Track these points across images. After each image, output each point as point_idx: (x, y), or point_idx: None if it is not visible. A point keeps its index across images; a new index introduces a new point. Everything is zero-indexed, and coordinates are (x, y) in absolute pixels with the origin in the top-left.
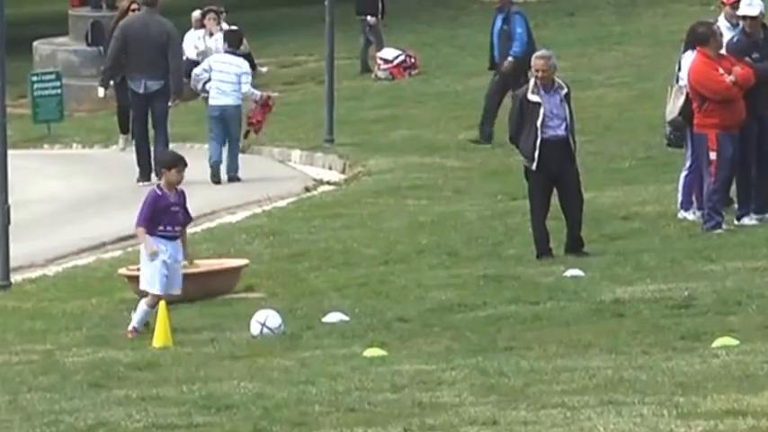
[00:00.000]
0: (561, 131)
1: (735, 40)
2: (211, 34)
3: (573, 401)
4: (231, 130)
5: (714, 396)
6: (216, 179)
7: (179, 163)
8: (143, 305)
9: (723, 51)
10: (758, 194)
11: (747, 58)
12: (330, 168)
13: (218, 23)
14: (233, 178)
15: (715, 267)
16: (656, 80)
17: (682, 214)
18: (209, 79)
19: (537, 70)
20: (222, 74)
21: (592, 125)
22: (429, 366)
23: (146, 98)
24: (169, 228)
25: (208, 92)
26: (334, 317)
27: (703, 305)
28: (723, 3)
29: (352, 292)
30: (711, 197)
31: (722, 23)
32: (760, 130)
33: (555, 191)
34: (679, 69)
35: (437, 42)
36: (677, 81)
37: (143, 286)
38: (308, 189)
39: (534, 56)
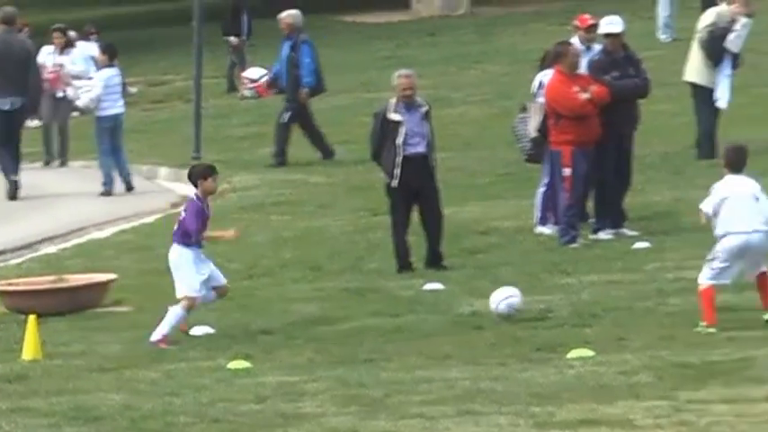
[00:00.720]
0: (422, 149)
1: (596, 58)
2: (61, 51)
3: (432, 412)
4: (120, 139)
5: (569, 406)
6: (110, 192)
7: (213, 172)
8: (178, 310)
9: (582, 70)
10: (614, 210)
11: (608, 77)
12: None
13: (68, 40)
14: (130, 184)
15: (571, 281)
16: (515, 98)
17: (539, 229)
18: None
19: (403, 89)
20: (111, 87)
21: (452, 142)
22: (292, 378)
23: (11, 115)
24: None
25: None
26: (199, 330)
27: (559, 317)
28: (577, 26)
29: (218, 305)
30: (567, 212)
31: (576, 45)
32: (618, 147)
33: (416, 206)
34: (540, 87)
35: None
36: (535, 98)
37: (183, 292)
38: (174, 205)
39: (397, 74)
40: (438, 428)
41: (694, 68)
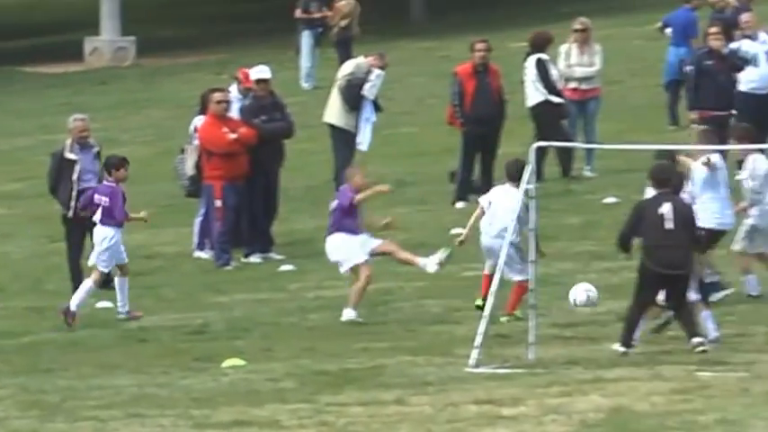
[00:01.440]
0: (94, 183)
1: (247, 103)
2: None
3: (103, 415)
4: None
5: (224, 409)
6: None
7: (126, 162)
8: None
9: (234, 115)
10: (263, 237)
11: (257, 120)
12: None
13: None
14: None
15: (225, 299)
16: (175, 139)
17: (197, 254)
18: None
19: (79, 131)
20: None
21: None
22: None
23: None
24: None
25: None
26: None
27: (215, 331)
28: (237, 78)
29: None
30: (219, 239)
31: (234, 93)
32: (266, 181)
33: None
34: (195, 130)
35: None
36: (191, 140)
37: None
38: None
39: (72, 118)
40: (108, 429)
41: (333, 112)
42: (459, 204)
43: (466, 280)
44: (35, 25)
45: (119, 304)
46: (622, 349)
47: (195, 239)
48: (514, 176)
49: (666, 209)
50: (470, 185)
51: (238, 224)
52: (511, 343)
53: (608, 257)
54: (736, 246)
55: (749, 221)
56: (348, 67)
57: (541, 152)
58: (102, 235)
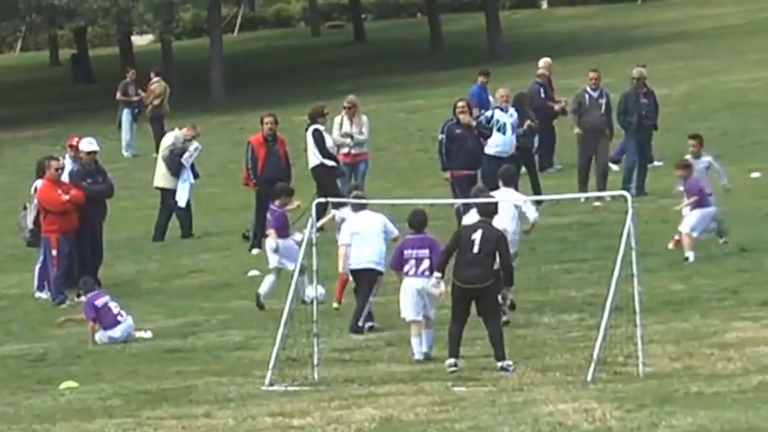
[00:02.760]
0: None
1: (75, 169)
2: None
3: None
4: None
5: (62, 423)
6: None
7: None
8: None
9: (65, 179)
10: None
11: (84, 183)
12: None
13: None
14: None
15: (62, 332)
16: (17, 199)
17: (37, 294)
18: None
19: None
20: None
21: None
22: None
23: None
24: None
25: None
26: None
27: (53, 359)
28: (71, 145)
29: None
30: (56, 281)
31: (68, 160)
32: (93, 233)
33: None
34: (35, 191)
35: None
36: (32, 199)
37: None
38: None
39: None
40: None
41: (161, 176)
42: (255, 251)
43: (263, 312)
44: None
45: None
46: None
47: (35, 282)
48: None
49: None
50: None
51: (71, 269)
52: (299, 365)
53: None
54: None
55: None
56: (168, 140)
57: (322, 207)
58: None
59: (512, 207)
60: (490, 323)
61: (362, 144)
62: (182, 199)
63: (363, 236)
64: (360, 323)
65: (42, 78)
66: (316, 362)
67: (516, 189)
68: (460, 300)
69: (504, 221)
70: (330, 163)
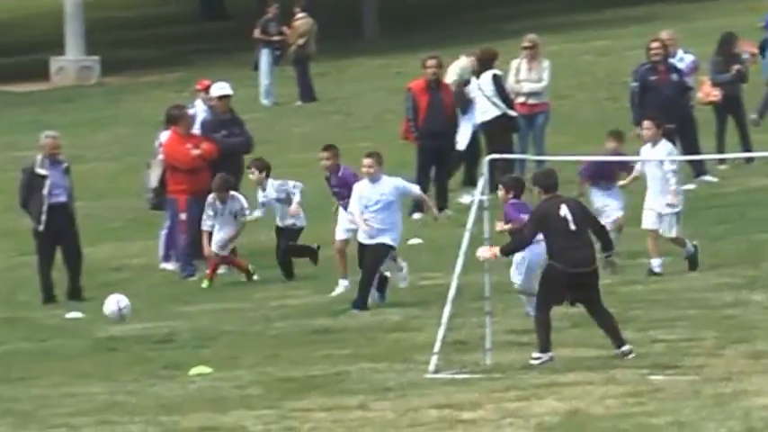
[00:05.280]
0: (63, 198)
1: (207, 119)
2: None
3: (75, 422)
4: None
5: (192, 415)
6: None
7: None
8: None
9: (195, 130)
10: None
11: (217, 135)
12: None
13: None
14: None
15: (191, 309)
16: (139, 155)
17: (163, 265)
18: None
19: (50, 147)
20: None
21: (87, 193)
22: None
23: None
24: None
25: None
26: None
27: (182, 340)
28: (198, 89)
29: None
30: (184, 250)
31: (200, 106)
32: None
33: (59, 247)
34: (159, 145)
35: None
36: (156, 155)
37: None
38: None
39: (44, 135)
40: None
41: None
42: (416, 215)
43: (423, 289)
44: (1, 45)
45: None
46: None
47: (161, 251)
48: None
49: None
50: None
51: (200, 236)
52: (469, 349)
53: None
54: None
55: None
56: (454, 70)
57: (494, 164)
58: None
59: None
60: (599, 310)
61: (541, 93)
62: (462, 141)
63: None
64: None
65: (166, 15)
66: (488, 345)
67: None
68: (562, 286)
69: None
70: (513, 113)
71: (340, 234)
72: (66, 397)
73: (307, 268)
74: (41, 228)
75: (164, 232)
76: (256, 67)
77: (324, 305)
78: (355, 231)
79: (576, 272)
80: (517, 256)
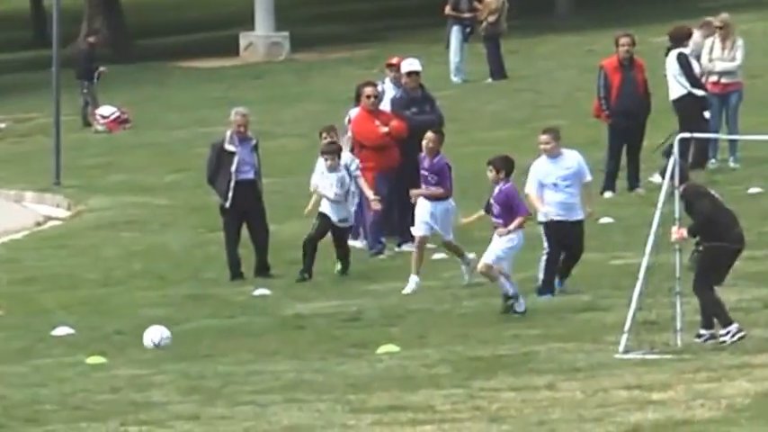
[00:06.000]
0: (251, 175)
1: (397, 96)
2: None
3: (262, 399)
4: None
5: (379, 394)
6: None
7: None
8: None
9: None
10: None
11: (407, 112)
12: (58, 206)
13: None
14: None
15: (378, 287)
16: None
17: (351, 242)
18: None
19: (239, 124)
20: None
21: (275, 169)
22: (141, 371)
23: None
24: None
25: None
26: (62, 330)
27: (369, 318)
28: (389, 65)
29: (77, 309)
30: (373, 228)
31: (388, 84)
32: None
33: (245, 224)
34: (349, 122)
35: (146, 101)
36: (347, 132)
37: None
38: (38, 224)
39: (234, 112)
40: (267, 414)
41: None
42: (607, 194)
43: (613, 268)
44: (192, 22)
45: None
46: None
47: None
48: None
49: None
50: (616, 176)
51: (391, 214)
52: (658, 329)
53: (752, 246)
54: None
55: None
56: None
57: (685, 144)
58: None
59: None
60: None
61: (735, 72)
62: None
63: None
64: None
65: None
66: (678, 326)
67: None
68: (727, 264)
69: None
70: (699, 93)
71: (419, 228)
72: (252, 374)
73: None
74: (228, 204)
75: (353, 209)
76: (448, 45)
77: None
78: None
79: (738, 248)
80: (513, 239)
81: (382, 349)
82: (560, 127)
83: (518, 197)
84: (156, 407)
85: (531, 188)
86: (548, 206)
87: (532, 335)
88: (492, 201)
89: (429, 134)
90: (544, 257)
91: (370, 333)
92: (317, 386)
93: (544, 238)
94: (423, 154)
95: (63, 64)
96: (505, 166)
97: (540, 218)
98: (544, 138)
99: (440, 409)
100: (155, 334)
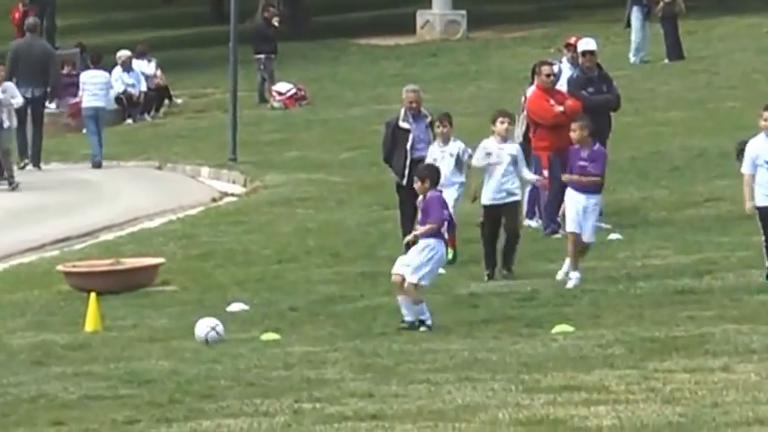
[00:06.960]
0: (426, 153)
1: (574, 76)
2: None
3: (436, 378)
4: (101, 125)
5: (553, 374)
6: (97, 166)
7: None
8: None
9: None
10: None
11: (584, 92)
12: (233, 182)
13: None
14: (98, 165)
15: (553, 267)
16: None
17: (527, 222)
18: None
19: (410, 101)
20: (94, 84)
21: None
22: (315, 348)
23: (30, 101)
24: None
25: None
26: (236, 306)
27: (544, 298)
28: (567, 45)
29: (251, 286)
30: (547, 208)
31: (565, 64)
32: None
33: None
34: (525, 101)
35: (322, 78)
36: (522, 111)
37: None
38: (214, 200)
39: (405, 89)
40: (441, 392)
41: None
42: None
43: None
44: None
45: None
46: None
47: (525, 207)
48: None
49: None
50: None
51: (563, 194)
52: None
53: None
54: None
55: None
56: None
57: None
58: None
59: None
60: None
61: None
62: None
63: None
64: None
65: None
66: None
67: None
68: None
69: None
70: None
71: (571, 225)
72: (426, 353)
73: (667, 227)
74: (404, 182)
75: (528, 188)
76: (628, 24)
77: (689, 265)
78: None
79: None
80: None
81: (557, 329)
82: (734, 109)
83: (439, 204)
84: (329, 384)
85: (746, 169)
86: (755, 197)
87: (707, 316)
88: None
89: (578, 124)
90: (765, 245)
91: (545, 313)
92: (491, 365)
93: (759, 225)
94: (576, 145)
95: (240, 40)
96: (431, 175)
97: (748, 211)
98: (766, 114)
99: (614, 390)
100: (205, 328)
